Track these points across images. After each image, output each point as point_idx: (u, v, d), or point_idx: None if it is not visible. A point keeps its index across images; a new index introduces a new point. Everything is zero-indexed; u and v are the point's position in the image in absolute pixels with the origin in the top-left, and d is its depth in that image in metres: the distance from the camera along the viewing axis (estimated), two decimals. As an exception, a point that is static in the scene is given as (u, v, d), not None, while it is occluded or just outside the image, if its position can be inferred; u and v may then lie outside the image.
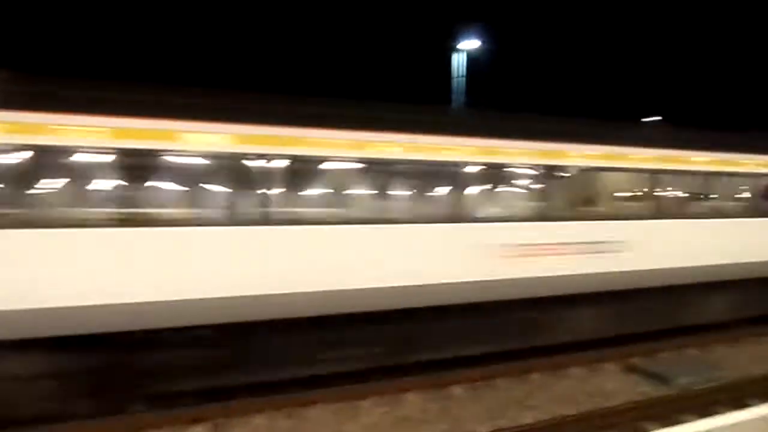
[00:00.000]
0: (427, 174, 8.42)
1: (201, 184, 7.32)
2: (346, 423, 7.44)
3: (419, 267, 8.09)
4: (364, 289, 7.75)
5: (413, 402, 8.02)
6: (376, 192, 8.23)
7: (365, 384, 8.27)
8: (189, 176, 7.22)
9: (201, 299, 6.93)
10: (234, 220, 7.21)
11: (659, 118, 24.45)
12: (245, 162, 7.27)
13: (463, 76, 24.17)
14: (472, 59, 24.66)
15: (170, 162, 7.05)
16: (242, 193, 7.37)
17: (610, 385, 8.82)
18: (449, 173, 8.44)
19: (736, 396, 8.24)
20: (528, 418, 7.55)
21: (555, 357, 9.50)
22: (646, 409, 7.67)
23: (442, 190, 8.68)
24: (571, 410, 7.78)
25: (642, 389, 8.68)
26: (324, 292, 7.54)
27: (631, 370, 9.42)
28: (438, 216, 8.43)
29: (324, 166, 7.82)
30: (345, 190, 8.17)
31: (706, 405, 7.90)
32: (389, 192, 8.33)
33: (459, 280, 8.32)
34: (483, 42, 24.40)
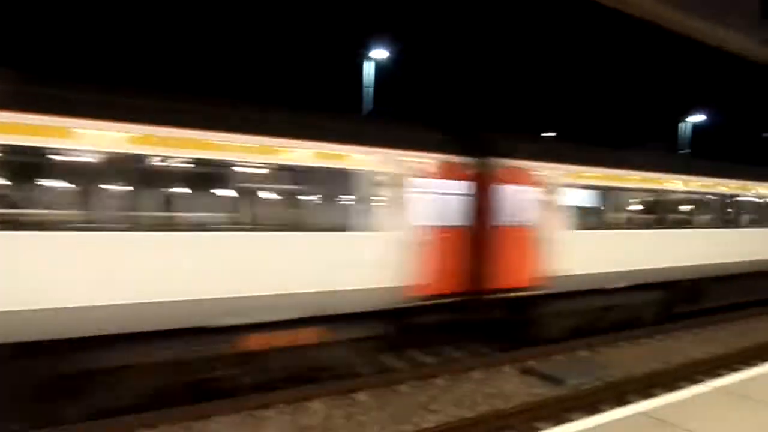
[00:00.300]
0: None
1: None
2: (247, 435, 7.23)
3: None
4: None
5: (317, 410, 7.93)
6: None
7: (268, 393, 8.07)
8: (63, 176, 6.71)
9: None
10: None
11: (554, 134, 26.15)
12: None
13: (370, 86, 24.62)
14: (381, 69, 25.23)
15: (52, 161, 6.52)
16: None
17: (508, 387, 9.20)
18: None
19: (619, 393, 8.89)
20: (431, 422, 7.71)
21: (458, 362, 9.78)
22: (540, 409, 8.08)
23: None
24: (471, 413, 8.04)
25: (537, 390, 9.13)
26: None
27: (528, 372, 9.88)
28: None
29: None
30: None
31: (593, 403, 8.46)
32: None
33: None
34: (391, 52, 25.00)
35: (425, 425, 7.57)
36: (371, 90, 24.57)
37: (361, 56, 25.43)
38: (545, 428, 5.78)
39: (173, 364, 7.35)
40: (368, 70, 24.69)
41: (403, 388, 8.86)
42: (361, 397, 8.44)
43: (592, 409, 8.03)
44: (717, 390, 6.55)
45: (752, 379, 7.04)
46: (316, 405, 8.08)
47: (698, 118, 42.63)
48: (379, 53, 24.80)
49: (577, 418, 6.28)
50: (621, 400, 8.28)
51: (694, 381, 8.79)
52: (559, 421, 7.28)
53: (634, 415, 5.72)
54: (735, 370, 9.23)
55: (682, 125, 43.60)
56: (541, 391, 9.11)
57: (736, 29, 8.86)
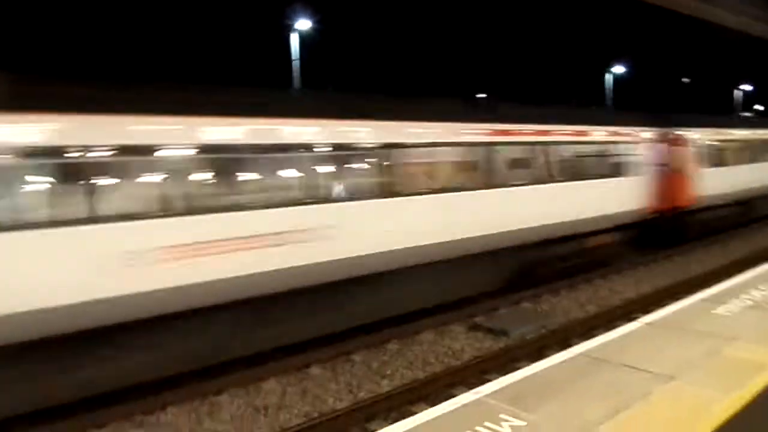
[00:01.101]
0: None
1: None
2: (204, 421, 7.16)
3: None
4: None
5: (271, 389, 7.93)
6: None
7: (219, 379, 7.99)
8: None
9: None
10: None
11: (485, 95, 26.57)
12: None
13: (297, 58, 24.11)
14: (307, 40, 24.75)
15: None
16: None
17: (458, 344, 9.48)
18: None
19: (563, 338, 9.33)
20: (386, 387, 7.87)
21: (408, 325, 9.97)
22: (489, 362, 8.40)
23: None
24: (423, 373, 8.25)
25: (485, 344, 9.46)
26: None
27: (475, 328, 10.20)
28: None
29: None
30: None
31: (538, 350, 8.84)
32: None
33: None
34: (314, 22, 24.52)
35: (380, 391, 7.72)
36: (298, 62, 24.04)
37: (287, 28, 24.81)
38: (495, 378, 6.00)
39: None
40: (294, 42, 24.12)
41: (356, 357, 8.97)
42: (315, 370, 8.49)
43: (538, 355, 8.38)
44: (648, 325, 6.98)
45: (677, 312, 7.53)
46: (271, 384, 8.07)
47: (619, 69, 44.38)
48: (303, 24, 24.22)
49: (524, 366, 6.56)
50: (565, 345, 8.66)
51: (630, 319, 9.31)
52: (508, 370, 7.57)
53: (575, 357, 6.03)
54: (663, 306, 9.85)
55: (607, 77, 45.25)
56: (488, 344, 9.44)
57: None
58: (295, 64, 24.13)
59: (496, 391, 5.18)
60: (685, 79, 56.09)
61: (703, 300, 7.96)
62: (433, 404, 6.10)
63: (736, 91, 61.75)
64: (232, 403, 7.58)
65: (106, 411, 7.06)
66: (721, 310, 7.37)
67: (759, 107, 68.50)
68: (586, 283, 13.02)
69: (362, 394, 7.71)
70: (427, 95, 11.25)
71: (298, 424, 6.85)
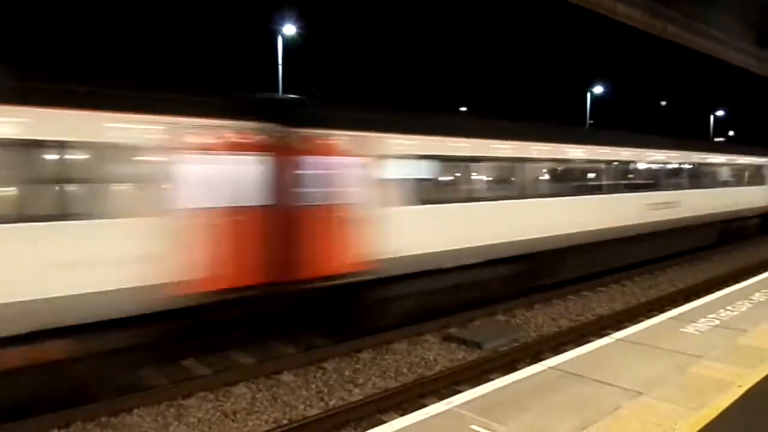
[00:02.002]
0: None
1: None
2: (171, 425, 7.02)
3: None
4: None
5: (241, 394, 7.83)
6: None
7: (188, 382, 7.86)
8: None
9: None
10: None
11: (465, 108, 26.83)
12: None
13: (281, 63, 24.14)
14: (291, 45, 24.79)
15: None
16: None
17: (431, 354, 9.47)
18: None
19: (535, 352, 9.39)
20: (357, 395, 7.82)
21: (382, 334, 9.93)
22: (461, 373, 8.40)
23: None
24: (396, 383, 8.23)
25: (458, 355, 9.47)
26: None
27: (449, 339, 10.21)
28: None
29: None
30: None
31: (510, 363, 8.89)
32: None
33: None
34: (299, 28, 24.56)
35: (352, 399, 7.67)
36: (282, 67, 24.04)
37: (274, 33, 24.78)
38: (467, 389, 6.01)
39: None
40: (280, 46, 24.10)
41: (328, 364, 8.90)
42: (286, 377, 8.40)
43: (510, 368, 8.43)
44: (619, 341, 7.07)
45: (647, 329, 7.64)
46: (240, 389, 7.96)
47: (598, 89, 45.27)
48: (288, 29, 24.25)
49: (496, 378, 6.59)
50: (536, 359, 8.74)
51: (601, 335, 9.42)
52: (480, 382, 7.59)
53: (545, 371, 6.07)
54: (636, 322, 10.00)
55: (588, 96, 46.06)
56: (461, 355, 9.46)
57: (627, 2, 9.44)
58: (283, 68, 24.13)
59: (467, 402, 5.20)
60: (662, 102, 57.43)
61: (672, 318, 8.10)
62: (404, 413, 6.09)
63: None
64: (201, 407, 7.45)
65: (70, 412, 6.90)
66: (689, 328, 7.51)
67: (732, 133, 70.36)
68: (560, 299, 13.16)
69: (333, 402, 7.65)
70: (412, 106, 11.32)
71: (267, 431, 6.77)
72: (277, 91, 24.36)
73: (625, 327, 8.19)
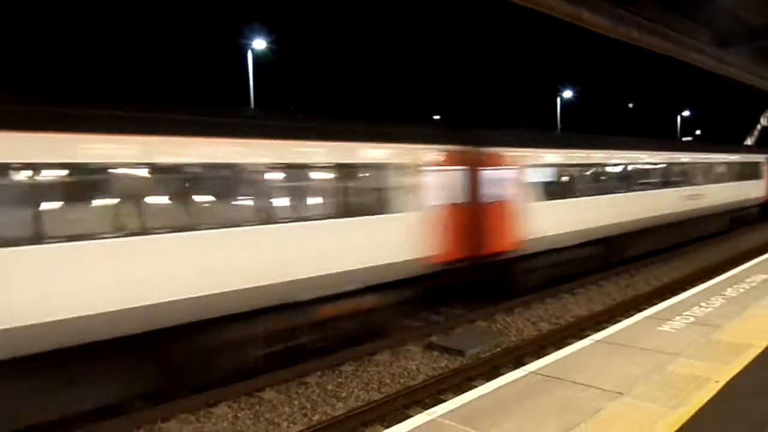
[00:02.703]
0: None
1: None
2: (149, 450, 6.88)
3: None
4: None
5: (223, 414, 7.70)
6: None
7: (168, 404, 7.70)
8: None
9: None
10: None
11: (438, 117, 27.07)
12: None
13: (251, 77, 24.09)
14: (261, 59, 24.76)
15: None
16: None
17: (414, 364, 9.45)
18: None
19: (517, 357, 9.44)
20: (340, 409, 7.75)
21: (365, 345, 9.89)
22: (444, 381, 8.39)
23: None
24: (379, 394, 8.18)
25: (440, 364, 9.46)
26: None
27: (431, 347, 10.20)
28: None
29: None
30: None
31: (493, 369, 8.92)
32: None
33: None
34: (269, 42, 24.54)
35: (335, 414, 7.60)
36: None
37: (244, 47, 24.70)
38: (450, 398, 6.00)
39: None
40: (251, 60, 24.04)
41: (310, 379, 8.82)
42: (268, 394, 8.29)
43: (493, 374, 8.45)
44: (598, 342, 7.14)
45: (624, 329, 7.73)
46: (222, 409, 7.83)
47: (567, 94, 46.07)
48: (258, 43, 24.23)
49: (479, 385, 6.59)
50: (519, 363, 8.77)
51: (581, 337, 9.50)
52: (463, 389, 7.60)
53: (527, 376, 6.10)
54: (614, 322, 10.12)
55: (558, 101, 46.82)
56: (444, 364, 9.45)
57: (591, 9, 9.63)
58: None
59: (450, 411, 5.19)
60: (630, 104, 58.66)
61: (648, 317, 8.21)
62: (388, 426, 6.05)
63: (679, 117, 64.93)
64: (181, 430, 7.31)
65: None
66: (665, 327, 7.62)
67: (698, 132, 72.09)
68: (539, 302, 13.26)
69: (317, 417, 7.58)
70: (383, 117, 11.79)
71: (250, 450, 6.66)
72: (249, 103, 24.24)
73: (604, 328, 8.27)
